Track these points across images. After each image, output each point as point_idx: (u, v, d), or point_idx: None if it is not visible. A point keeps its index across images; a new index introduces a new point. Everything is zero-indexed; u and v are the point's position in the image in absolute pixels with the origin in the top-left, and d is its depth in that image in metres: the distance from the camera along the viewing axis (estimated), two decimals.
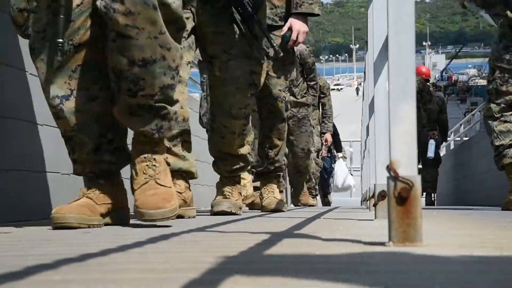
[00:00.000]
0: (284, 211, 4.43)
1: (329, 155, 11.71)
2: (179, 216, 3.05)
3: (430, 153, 10.41)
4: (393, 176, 1.39)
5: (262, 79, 3.83)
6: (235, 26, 3.61)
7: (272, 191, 4.65)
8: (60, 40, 2.30)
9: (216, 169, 3.93)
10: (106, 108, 2.45)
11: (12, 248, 1.56)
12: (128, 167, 2.55)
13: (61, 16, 2.32)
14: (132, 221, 2.64)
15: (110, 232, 2.12)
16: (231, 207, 3.72)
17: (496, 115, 5.04)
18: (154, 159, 2.40)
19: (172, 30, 2.33)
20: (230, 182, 3.89)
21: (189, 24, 3.48)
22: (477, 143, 9.55)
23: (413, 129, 1.42)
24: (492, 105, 5.03)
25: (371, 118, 3.15)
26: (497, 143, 5.06)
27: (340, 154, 11.89)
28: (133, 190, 2.41)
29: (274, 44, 3.91)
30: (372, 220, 2.76)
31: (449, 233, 1.97)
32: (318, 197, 11.73)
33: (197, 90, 9.96)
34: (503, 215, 3.75)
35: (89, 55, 2.41)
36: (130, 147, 2.52)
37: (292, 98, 7.04)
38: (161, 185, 2.38)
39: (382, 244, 1.42)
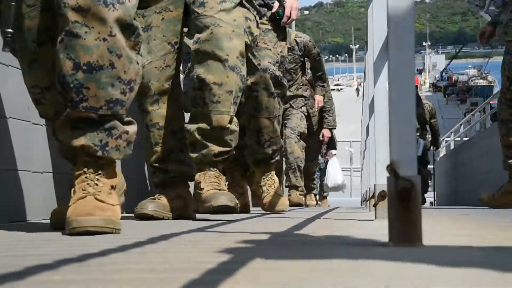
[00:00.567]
0: (285, 210, 4.25)
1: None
2: (179, 217, 2.99)
3: (418, 152, 10.73)
4: (393, 176, 1.39)
5: (256, 32, 3.45)
6: None
7: (273, 184, 4.25)
8: (9, 30, 2.12)
9: (196, 155, 3.11)
10: None
11: (12, 248, 1.56)
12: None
13: (13, 3, 2.14)
14: (130, 221, 2.64)
15: (110, 232, 2.12)
16: (232, 200, 2.94)
17: None
18: (98, 179, 2.06)
19: (126, 36, 2.07)
20: (214, 170, 3.11)
21: None
22: (477, 143, 9.56)
23: (413, 129, 1.42)
24: None
25: (371, 118, 3.15)
26: None
27: (333, 152, 11.16)
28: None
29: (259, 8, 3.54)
30: (372, 220, 2.76)
31: (449, 233, 1.97)
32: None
33: None
34: (503, 215, 3.75)
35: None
36: None
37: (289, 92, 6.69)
38: (101, 201, 2.02)
39: (382, 244, 1.42)
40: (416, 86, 11.15)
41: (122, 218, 2.14)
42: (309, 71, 8.22)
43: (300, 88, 8.12)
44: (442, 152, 14.78)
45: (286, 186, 8.10)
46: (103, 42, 2.02)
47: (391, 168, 1.40)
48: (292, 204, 7.65)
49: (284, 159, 7.75)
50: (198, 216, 3.16)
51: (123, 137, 2.09)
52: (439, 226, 2.41)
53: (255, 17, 3.50)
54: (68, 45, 2.03)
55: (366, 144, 5.39)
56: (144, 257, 1.30)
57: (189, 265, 1.12)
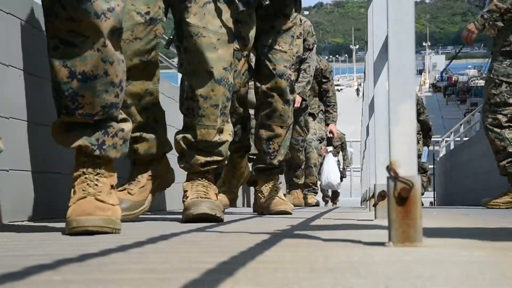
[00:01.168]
0: (291, 213, 3.89)
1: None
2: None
3: (424, 158, 11.12)
4: (393, 176, 1.39)
5: (252, 32, 3.16)
6: None
7: (276, 191, 4.00)
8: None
9: (184, 164, 3.03)
10: None
11: (12, 248, 1.56)
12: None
13: None
14: (130, 221, 2.64)
15: (110, 232, 2.12)
16: (214, 208, 2.77)
17: (504, 124, 5.56)
18: (97, 179, 2.07)
19: (113, 40, 2.08)
20: (203, 179, 2.99)
21: None
22: (477, 143, 9.55)
23: (413, 129, 1.42)
24: (499, 116, 5.56)
25: (371, 118, 3.15)
26: (510, 150, 5.55)
27: (330, 148, 10.60)
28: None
29: None
30: (372, 220, 2.76)
31: (449, 233, 1.97)
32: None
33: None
34: (503, 215, 3.75)
35: None
36: None
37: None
38: (101, 201, 2.03)
39: (382, 244, 1.42)
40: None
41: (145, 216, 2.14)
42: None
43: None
44: (442, 152, 14.78)
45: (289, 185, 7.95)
46: (97, 53, 2.03)
47: (391, 168, 1.40)
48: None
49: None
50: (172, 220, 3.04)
51: (119, 135, 2.11)
52: (439, 226, 2.41)
53: (249, 18, 3.16)
54: (64, 53, 2.03)
55: (366, 144, 5.38)
56: (144, 257, 1.30)
57: (189, 265, 1.12)
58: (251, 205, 5.70)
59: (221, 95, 2.91)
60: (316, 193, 8.78)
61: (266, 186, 4.01)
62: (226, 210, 3.88)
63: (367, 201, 4.62)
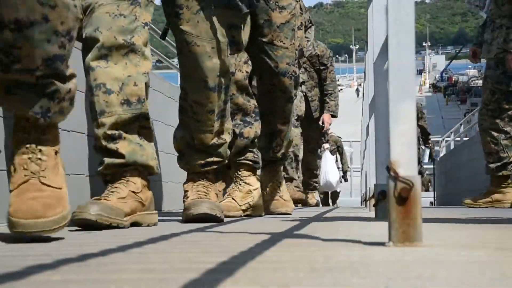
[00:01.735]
0: (290, 214, 3.90)
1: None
2: (136, 224, 2.42)
3: (425, 159, 11.46)
4: (393, 176, 1.39)
5: (245, 37, 3.05)
6: None
7: (279, 187, 3.96)
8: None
9: (184, 164, 3.03)
10: None
11: (12, 248, 1.56)
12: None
13: None
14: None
15: (110, 232, 2.12)
16: (214, 208, 2.73)
17: (501, 129, 5.86)
18: (40, 150, 1.83)
19: None
20: (204, 179, 2.98)
21: None
22: (477, 143, 9.54)
23: (413, 129, 1.42)
24: (497, 120, 5.84)
25: (371, 118, 3.15)
26: (502, 155, 5.85)
27: (326, 145, 9.94)
28: (10, 191, 1.78)
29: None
30: (372, 220, 2.76)
31: (449, 233, 1.97)
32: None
33: None
34: (503, 215, 3.75)
35: None
36: None
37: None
38: (47, 185, 1.78)
39: (382, 244, 1.42)
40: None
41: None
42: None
43: None
44: (442, 152, 14.79)
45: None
46: None
47: (391, 168, 1.40)
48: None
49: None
50: (171, 221, 2.87)
51: (66, 98, 1.83)
52: (439, 226, 2.40)
53: (243, 22, 3.02)
54: None
55: (366, 144, 5.39)
56: (144, 257, 1.30)
57: (189, 265, 1.12)
58: None
59: (216, 101, 2.88)
60: (317, 189, 8.39)
61: (272, 184, 3.96)
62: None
63: (367, 201, 4.62)
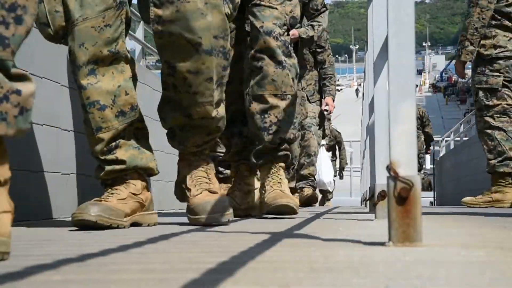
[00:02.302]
0: (296, 212, 3.15)
1: None
2: (136, 224, 2.45)
3: (428, 165, 11.83)
4: (393, 176, 1.39)
5: None
6: None
7: (280, 183, 3.26)
8: None
9: (178, 144, 2.62)
10: None
11: (12, 248, 1.56)
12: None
13: None
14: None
15: (110, 232, 2.12)
16: (225, 212, 2.48)
17: (493, 125, 5.87)
18: None
19: None
20: (202, 161, 2.61)
21: None
22: (477, 143, 9.54)
23: (413, 129, 1.42)
24: (486, 118, 5.88)
25: (371, 118, 3.15)
26: (499, 149, 5.87)
27: (322, 141, 8.97)
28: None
29: None
30: (372, 220, 2.76)
31: (449, 233, 1.97)
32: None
33: None
34: (503, 215, 3.75)
35: None
36: None
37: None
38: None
39: (382, 244, 1.42)
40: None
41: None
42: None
43: None
44: (442, 152, 14.79)
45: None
46: None
47: (391, 168, 1.40)
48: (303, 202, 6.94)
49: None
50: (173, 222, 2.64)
51: (11, 99, 1.31)
52: (439, 226, 2.40)
53: None
54: None
55: (366, 144, 5.39)
56: (144, 257, 1.30)
57: (189, 265, 1.12)
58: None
59: (215, 66, 2.43)
60: (315, 187, 7.85)
61: (268, 177, 3.27)
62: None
63: (367, 201, 4.62)
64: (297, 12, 3.39)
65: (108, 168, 2.45)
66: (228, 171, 4.34)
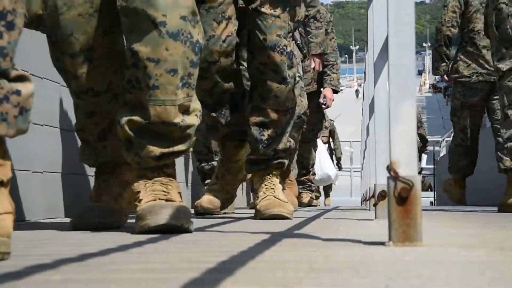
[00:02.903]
0: (290, 218, 2.99)
1: None
2: None
3: (424, 163, 12.19)
4: (393, 176, 1.39)
5: None
6: None
7: (273, 189, 3.13)
8: None
9: (133, 156, 2.12)
10: None
11: (12, 248, 1.56)
12: None
13: None
14: (129, 221, 2.63)
15: (110, 232, 2.12)
16: (180, 217, 1.96)
17: (497, 135, 5.95)
18: None
19: None
20: (161, 176, 2.10)
21: None
22: None
23: (413, 129, 1.42)
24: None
25: (371, 118, 3.15)
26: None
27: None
28: None
29: None
30: (372, 220, 2.76)
31: (449, 233, 1.97)
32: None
33: None
34: (503, 215, 3.75)
35: None
36: None
37: None
38: None
39: (382, 244, 1.42)
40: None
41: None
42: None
43: None
44: (442, 152, 14.79)
45: None
46: None
47: (391, 168, 1.40)
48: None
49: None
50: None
51: (11, 100, 1.33)
52: (439, 226, 2.40)
53: None
54: None
55: (366, 144, 5.38)
56: (144, 257, 1.30)
57: (189, 264, 1.12)
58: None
59: (180, 55, 2.06)
60: (312, 190, 7.47)
61: (262, 184, 3.16)
62: (219, 214, 3.66)
63: (367, 201, 4.62)
64: (302, 13, 3.28)
65: (102, 160, 2.36)
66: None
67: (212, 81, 3.11)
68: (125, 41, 2.15)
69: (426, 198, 14.11)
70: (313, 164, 7.25)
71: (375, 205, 2.64)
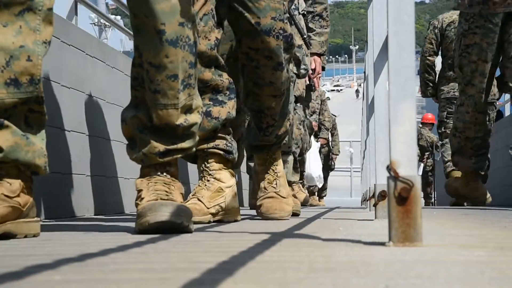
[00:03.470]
0: (287, 219, 2.99)
1: None
2: (8, 236, 1.84)
3: (419, 172, 12.77)
4: (393, 176, 1.39)
5: None
6: None
7: (275, 180, 3.06)
8: None
9: (137, 154, 2.13)
10: None
11: (12, 248, 1.56)
12: None
13: None
14: (129, 222, 2.63)
15: (110, 232, 2.12)
16: (180, 214, 1.95)
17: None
18: None
19: None
20: (164, 174, 2.11)
21: None
22: None
23: (413, 129, 1.42)
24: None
25: (371, 118, 3.15)
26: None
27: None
28: None
29: None
30: (372, 220, 2.76)
31: (449, 233, 1.97)
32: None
33: None
34: (503, 214, 3.75)
35: None
36: None
37: None
38: None
39: (382, 244, 1.42)
40: (432, 124, 12.72)
41: None
42: None
43: None
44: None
45: None
46: None
47: (391, 168, 1.40)
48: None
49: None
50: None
51: None
52: (439, 226, 2.40)
53: None
54: None
55: (366, 144, 5.39)
56: (144, 257, 1.30)
57: (189, 265, 1.12)
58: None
59: (180, 61, 2.06)
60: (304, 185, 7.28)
61: (264, 173, 3.08)
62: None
63: (367, 201, 4.62)
64: None
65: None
66: None
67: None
68: (134, 39, 2.12)
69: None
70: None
71: (375, 205, 2.64)
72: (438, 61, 7.73)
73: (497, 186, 6.96)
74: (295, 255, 1.26)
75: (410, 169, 1.40)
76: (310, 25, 5.16)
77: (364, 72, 5.40)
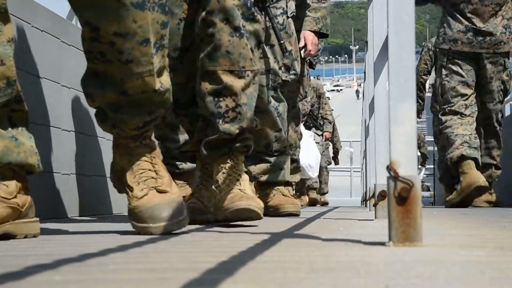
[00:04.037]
0: (260, 216, 2.42)
1: None
2: (7, 236, 1.84)
3: (421, 176, 13.27)
4: (393, 176, 1.39)
5: None
6: None
7: (238, 180, 2.47)
8: None
9: (111, 128, 2.05)
10: None
11: (12, 248, 1.56)
12: None
13: None
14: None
15: (110, 232, 2.12)
16: (179, 220, 1.95)
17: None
18: None
19: None
20: (144, 147, 2.03)
21: None
22: None
23: (413, 129, 1.42)
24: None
25: (371, 118, 3.15)
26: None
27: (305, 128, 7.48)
28: None
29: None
30: (372, 220, 2.76)
31: (449, 233, 1.97)
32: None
33: None
34: (503, 215, 3.75)
35: None
36: None
37: None
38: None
39: (382, 244, 1.42)
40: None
41: None
42: None
43: None
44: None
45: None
46: None
47: (391, 168, 1.40)
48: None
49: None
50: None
51: None
52: (439, 226, 2.40)
53: None
54: None
55: (366, 144, 5.39)
56: (144, 257, 1.30)
57: (189, 265, 1.12)
58: None
59: (150, 23, 1.91)
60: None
61: (223, 174, 2.50)
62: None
63: (367, 201, 4.62)
64: None
65: None
66: (185, 166, 3.32)
67: (186, 73, 2.63)
68: (78, 17, 1.96)
69: (426, 198, 14.12)
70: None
71: (375, 205, 2.64)
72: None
73: (497, 186, 6.97)
74: (295, 255, 1.26)
75: (410, 169, 1.40)
76: (308, 1, 4.48)
77: (364, 72, 5.39)
